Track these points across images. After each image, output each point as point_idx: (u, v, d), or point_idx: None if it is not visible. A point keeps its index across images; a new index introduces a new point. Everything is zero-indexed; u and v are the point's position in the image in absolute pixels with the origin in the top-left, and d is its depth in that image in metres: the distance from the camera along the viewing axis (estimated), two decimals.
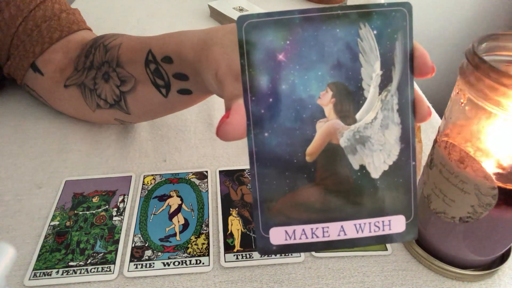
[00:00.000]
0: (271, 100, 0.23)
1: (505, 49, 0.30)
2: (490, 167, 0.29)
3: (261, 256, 0.36)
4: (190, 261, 0.36)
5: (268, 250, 0.23)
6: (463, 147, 0.30)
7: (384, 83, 0.23)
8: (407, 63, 0.23)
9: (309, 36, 0.22)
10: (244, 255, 0.36)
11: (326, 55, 0.22)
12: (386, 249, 0.37)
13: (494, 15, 1.39)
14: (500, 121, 0.27)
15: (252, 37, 0.22)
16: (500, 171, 0.29)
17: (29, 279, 0.34)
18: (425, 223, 0.36)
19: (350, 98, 0.23)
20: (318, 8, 0.22)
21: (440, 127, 0.33)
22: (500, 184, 0.29)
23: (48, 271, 0.35)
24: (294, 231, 0.23)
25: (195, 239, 0.38)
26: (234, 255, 0.36)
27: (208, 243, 0.37)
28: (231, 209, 0.41)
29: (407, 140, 0.24)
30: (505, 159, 0.29)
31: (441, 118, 0.48)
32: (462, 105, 0.30)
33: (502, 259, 0.36)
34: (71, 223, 0.39)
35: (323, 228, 0.23)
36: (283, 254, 0.36)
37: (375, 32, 0.22)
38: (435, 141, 0.33)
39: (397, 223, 0.24)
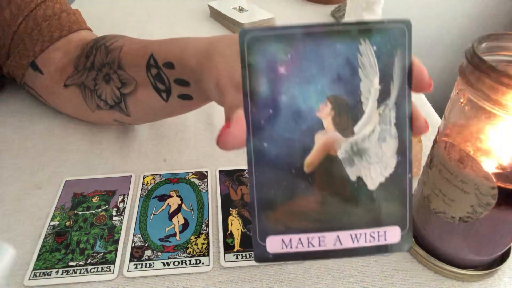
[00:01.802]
0: (271, 111, 0.23)
1: (505, 49, 0.30)
2: (490, 167, 0.29)
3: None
4: (190, 261, 0.36)
5: (265, 258, 0.24)
6: (463, 147, 0.30)
7: (382, 97, 0.24)
8: (405, 78, 0.24)
9: (310, 50, 0.23)
10: (244, 255, 0.36)
11: (326, 69, 0.23)
12: None
13: (494, 15, 1.39)
14: (500, 121, 0.27)
15: (254, 50, 0.22)
16: (500, 171, 0.29)
17: (29, 279, 0.34)
18: (425, 223, 0.36)
19: (348, 111, 0.23)
20: (319, 23, 0.23)
21: (440, 127, 0.33)
22: (500, 184, 0.29)
23: (48, 271, 0.35)
24: (290, 240, 0.24)
25: (195, 239, 0.38)
26: (234, 255, 0.36)
27: (208, 243, 0.37)
28: (231, 209, 0.41)
29: (404, 153, 0.24)
30: (505, 159, 0.29)
31: (441, 118, 0.48)
32: (462, 105, 0.30)
33: (502, 259, 0.36)
34: (71, 223, 0.39)
35: (319, 237, 0.24)
36: None
37: (374, 47, 0.23)
38: (435, 141, 0.33)
39: (393, 234, 0.24)
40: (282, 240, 0.24)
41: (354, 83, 0.23)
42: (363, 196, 0.24)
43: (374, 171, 0.24)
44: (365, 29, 0.23)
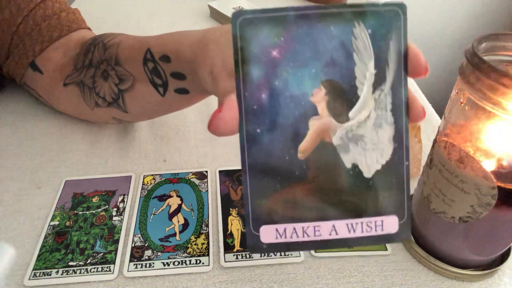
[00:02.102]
0: (264, 96, 0.23)
1: (505, 49, 0.30)
2: (490, 167, 0.29)
3: (261, 256, 0.36)
4: (190, 261, 0.36)
5: (259, 248, 0.23)
6: (463, 147, 0.30)
7: (378, 82, 0.23)
8: (401, 63, 0.23)
9: (304, 33, 0.22)
10: (244, 255, 0.36)
11: (320, 52, 0.22)
12: (386, 249, 0.37)
13: (494, 15, 1.39)
14: (499, 121, 0.27)
15: (246, 33, 0.22)
16: (500, 171, 0.29)
17: (29, 279, 0.34)
18: (425, 223, 0.35)
19: (343, 96, 0.23)
20: (313, 5, 0.22)
21: (440, 127, 0.33)
22: (500, 184, 0.29)
23: (48, 271, 0.35)
24: (285, 229, 0.23)
25: (195, 239, 0.38)
26: (234, 255, 0.36)
27: (208, 243, 0.37)
28: (231, 209, 0.41)
29: (400, 140, 0.24)
30: (505, 159, 0.29)
31: (441, 118, 0.48)
32: (462, 105, 0.30)
33: (502, 259, 0.36)
34: (71, 223, 0.39)
35: (314, 227, 0.23)
36: (282, 254, 0.36)
37: (369, 31, 0.23)
38: (435, 141, 0.33)
39: (390, 224, 0.24)
40: (276, 230, 0.23)
41: (349, 67, 0.23)
42: (359, 184, 0.23)
43: (370, 158, 0.23)
44: (359, 12, 0.22)
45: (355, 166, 0.23)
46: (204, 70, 0.31)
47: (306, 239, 0.23)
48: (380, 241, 0.24)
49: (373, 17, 0.22)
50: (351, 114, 0.23)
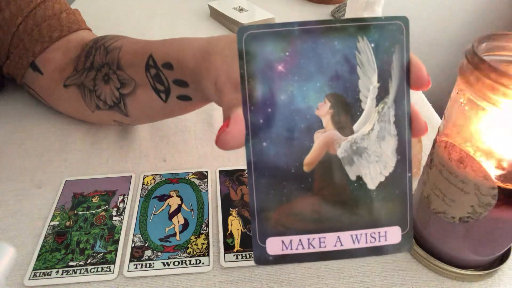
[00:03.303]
0: (269, 110, 0.23)
1: (505, 49, 0.30)
2: (490, 167, 0.29)
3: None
4: (190, 261, 0.36)
5: (265, 260, 0.24)
6: (463, 147, 0.30)
7: (381, 95, 0.24)
8: (403, 76, 0.24)
9: (308, 48, 0.23)
10: (244, 255, 0.36)
11: (324, 66, 0.23)
12: None
13: (494, 15, 1.39)
14: (500, 121, 0.27)
15: (252, 48, 0.22)
16: (500, 171, 0.29)
17: (29, 279, 0.34)
18: (425, 223, 0.36)
19: (347, 110, 0.23)
20: (317, 20, 0.23)
21: (440, 127, 0.33)
22: (500, 184, 0.29)
23: (48, 271, 0.35)
24: (291, 241, 0.24)
25: (195, 239, 0.38)
26: (234, 255, 0.36)
27: (208, 243, 0.37)
28: (231, 209, 0.41)
29: (403, 152, 0.24)
30: (505, 159, 0.29)
31: (441, 118, 0.48)
32: (462, 105, 0.30)
33: (502, 259, 0.36)
34: (71, 223, 0.39)
35: (319, 238, 0.24)
36: None
37: (372, 45, 0.23)
38: (435, 141, 0.33)
39: (393, 234, 0.24)
40: (282, 242, 0.24)
41: (353, 81, 0.23)
42: (363, 196, 0.24)
43: (374, 170, 0.24)
44: (362, 26, 0.23)
45: (359, 178, 0.24)
46: (208, 81, 0.31)
47: (311, 250, 0.24)
48: (383, 251, 0.24)
49: (376, 31, 0.23)
50: (355, 127, 0.24)
